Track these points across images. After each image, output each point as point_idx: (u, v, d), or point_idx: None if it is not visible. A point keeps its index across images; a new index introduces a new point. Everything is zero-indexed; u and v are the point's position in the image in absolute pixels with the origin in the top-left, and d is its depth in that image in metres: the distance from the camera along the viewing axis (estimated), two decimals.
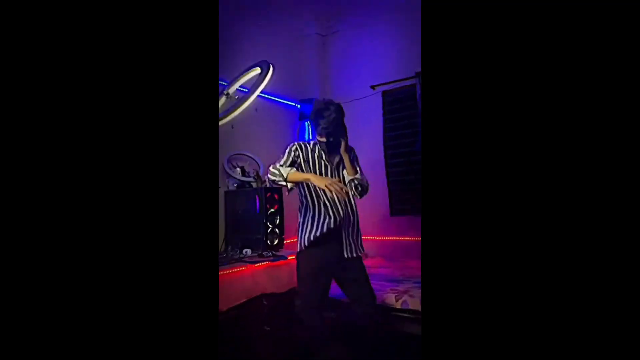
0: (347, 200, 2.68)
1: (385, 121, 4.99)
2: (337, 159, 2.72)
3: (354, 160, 2.74)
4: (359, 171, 2.67)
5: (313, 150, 2.72)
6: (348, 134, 2.70)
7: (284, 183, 2.62)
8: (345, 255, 2.65)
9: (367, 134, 4.95)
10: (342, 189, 2.43)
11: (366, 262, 4.39)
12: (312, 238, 2.63)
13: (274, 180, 2.63)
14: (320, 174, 2.68)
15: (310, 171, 2.68)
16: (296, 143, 2.75)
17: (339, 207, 2.65)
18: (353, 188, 2.67)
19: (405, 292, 3.24)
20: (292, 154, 2.69)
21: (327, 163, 2.70)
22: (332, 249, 2.65)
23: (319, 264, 2.64)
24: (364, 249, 2.78)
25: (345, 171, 2.68)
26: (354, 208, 2.74)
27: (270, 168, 2.65)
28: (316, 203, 2.67)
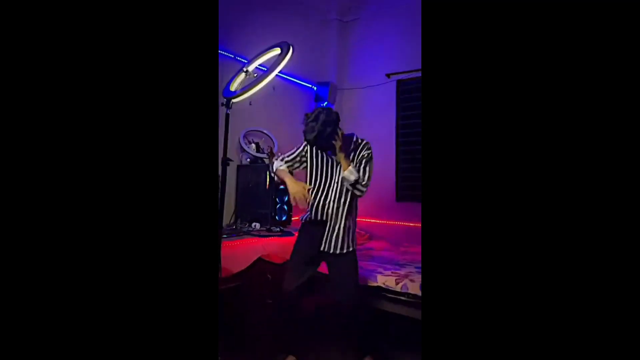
0: (338, 199, 2.83)
1: (398, 109, 5.05)
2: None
3: (362, 157, 2.83)
4: (350, 167, 2.75)
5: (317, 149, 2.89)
6: (359, 138, 2.85)
7: (272, 175, 2.87)
8: (322, 248, 2.82)
9: (379, 121, 5.03)
10: (303, 200, 2.64)
11: (370, 245, 4.54)
12: (306, 219, 2.90)
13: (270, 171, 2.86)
14: (326, 170, 2.86)
15: (316, 167, 2.86)
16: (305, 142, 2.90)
17: (326, 206, 2.83)
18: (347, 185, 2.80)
19: (405, 276, 3.27)
20: (300, 152, 2.90)
21: (330, 159, 2.85)
22: (317, 239, 2.85)
23: (308, 249, 2.87)
24: (354, 248, 2.90)
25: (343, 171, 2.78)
26: (347, 208, 2.85)
27: (274, 159, 2.86)
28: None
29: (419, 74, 4.74)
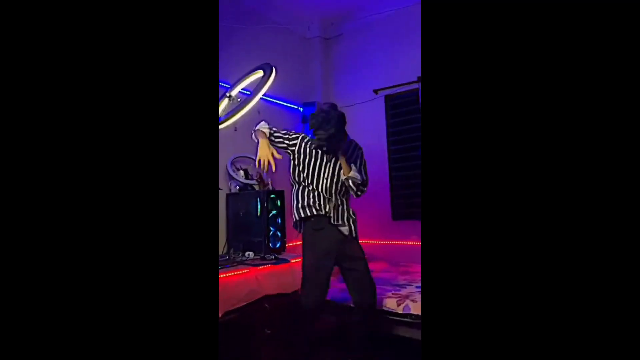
0: (337, 193, 2.84)
1: (388, 125, 5.00)
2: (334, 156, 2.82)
3: (356, 158, 2.84)
4: (353, 169, 2.74)
5: (312, 145, 2.84)
6: (351, 140, 2.86)
7: (252, 132, 2.82)
8: (346, 233, 2.83)
9: (369, 138, 4.95)
10: (267, 166, 2.66)
11: (370, 266, 4.42)
12: (302, 214, 2.89)
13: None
14: (315, 165, 2.83)
15: (304, 161, 2.84)
16: (302, 134, 2.90)
17: (326, 198, 2.84)
18: (348, 186, 2.80)
19: (407, 296, 3.23)
20: (289, 137, 2.88)
21: (324, 156, 2.82)
22: (330, 236, 2.83)
23: (321, 253, 2.83)
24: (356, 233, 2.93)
25: (342, 171, 2.77)
26: (345, 202, 2.90)
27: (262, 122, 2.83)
28: (304, 185, 2.90)
29: (407, 87, 4.71)
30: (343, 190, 2.86)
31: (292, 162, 2.90)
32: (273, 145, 2.81)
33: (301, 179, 2.87)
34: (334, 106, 2.79)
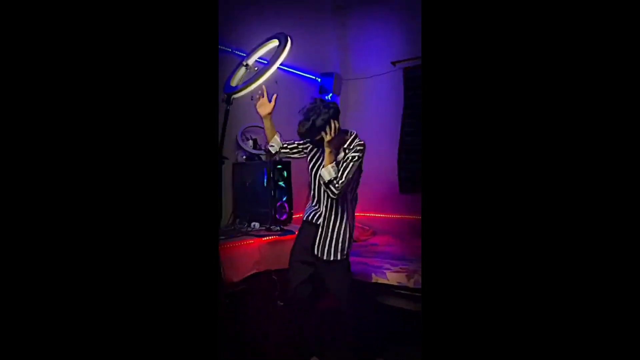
0: (331, 200, 2.70)
1: (406, 98, 4.86)
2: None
3: (347, 159, 2.64)
4: (329, 167, 2.58)
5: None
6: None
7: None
8: (316, 253, 2.71)
9: (386, 111, 4.89)
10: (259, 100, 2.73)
11: (375, 240, 4.46)
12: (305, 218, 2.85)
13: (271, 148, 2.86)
14: (314, 163, 2.77)
15: (312, 169, 2.78)
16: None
17: (320, 205, 2.76)
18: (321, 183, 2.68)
19: (415, 271, 3.22)
20: (300, 143, 2.85)
21: (321, 156, 2.74)
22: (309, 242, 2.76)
23: (303, 257, 2.79)
24: (347, 256, 2.78)
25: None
26: (340, 210, 2.73)
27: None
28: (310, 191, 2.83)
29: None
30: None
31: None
32: (287, 155, 2.89)
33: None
34: (324, 100, 2.66)
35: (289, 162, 3.73)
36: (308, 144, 2.80)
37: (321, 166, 2.63)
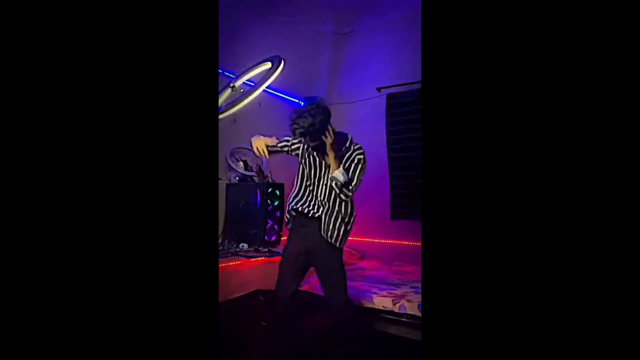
0: (330, 194, 2.75)
1: (388, 124, 4.95)
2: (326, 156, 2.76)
3: (352, 161, 2.74)
4: (339, 170, 2.65)
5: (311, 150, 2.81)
6: (350, 142, 2.79)
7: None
8: (322, 234, 2.73)
9: (370, 136, 4.92)
10: (262, 152, 2.75)
11: (362, 264, 4.47)
12: (292, 211, 2.85)
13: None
14: (311, 167, 2.79)
15: (305, 166, 2.81)
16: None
17: (319, 199, 2.78)
18: (333, 186, 2.71)
19: (402, 296, 3.23)
20: (291, 141, 2.85)
21: (315, 157, 2.77)
22: (311, 235, 2.76)
23: (297, 251, 2.80)
24: (343, 245, 2.82)
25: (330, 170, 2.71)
26: (337, 204, 2.78)
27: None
28: (303, 185, 2.85)
29: (410, 87, 4.69)
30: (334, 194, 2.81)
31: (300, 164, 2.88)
32: (275, 151, 2.87)
33: (303, 181, 2.85)
34: (313, 104, 2.71)
35: (282, 184, 3.77)
36: (297, 144, 2.82)
37: (324, 169, 2.73)
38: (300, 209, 2.78)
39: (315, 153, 2.76)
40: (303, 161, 2.82)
